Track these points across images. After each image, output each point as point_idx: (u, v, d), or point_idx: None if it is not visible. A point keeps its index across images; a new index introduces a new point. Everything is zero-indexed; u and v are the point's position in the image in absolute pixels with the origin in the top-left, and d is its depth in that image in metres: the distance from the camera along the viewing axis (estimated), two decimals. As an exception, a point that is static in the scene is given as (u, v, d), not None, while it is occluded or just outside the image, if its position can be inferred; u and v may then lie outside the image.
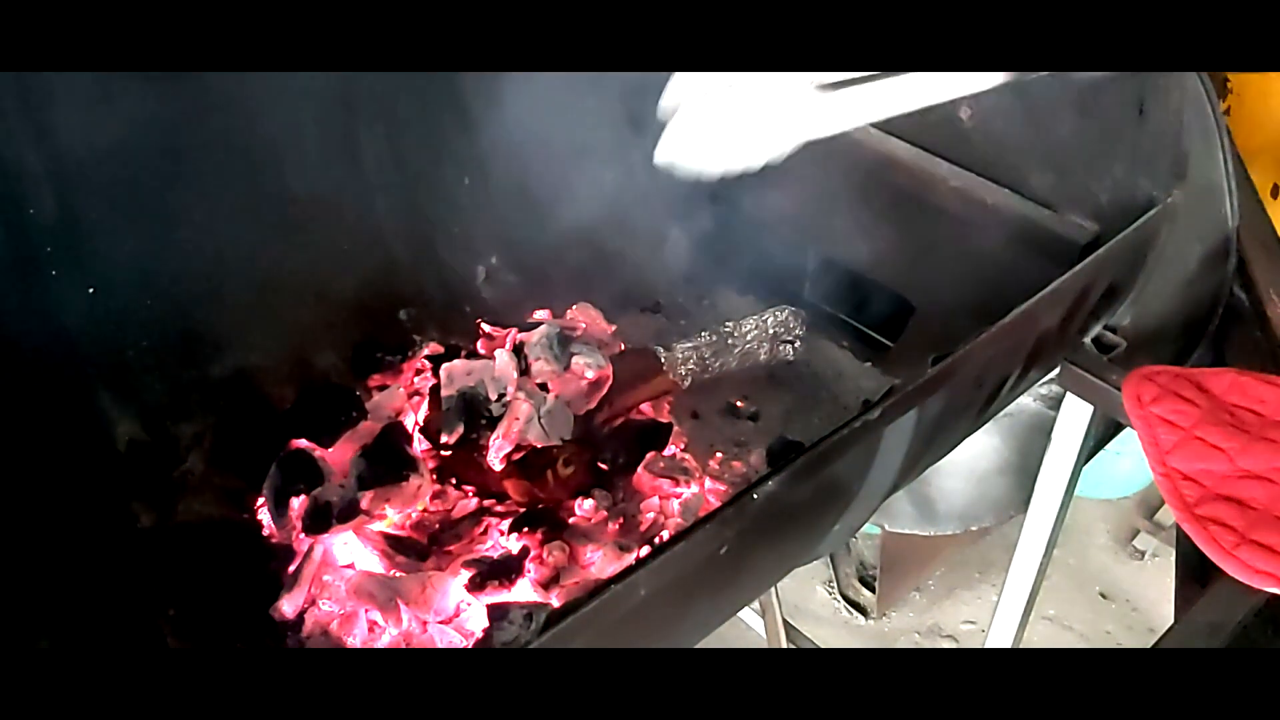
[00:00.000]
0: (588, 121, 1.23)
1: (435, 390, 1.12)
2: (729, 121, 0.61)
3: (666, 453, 1.11)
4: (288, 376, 1.12)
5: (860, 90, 0.58)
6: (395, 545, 1.00)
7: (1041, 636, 1.84)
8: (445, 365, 1.13)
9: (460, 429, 1.09)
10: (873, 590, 1.88)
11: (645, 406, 1.16)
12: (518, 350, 1.16)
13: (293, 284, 1.12)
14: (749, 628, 1.62)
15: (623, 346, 1.22)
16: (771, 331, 1.17)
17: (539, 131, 1.22)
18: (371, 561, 0.99)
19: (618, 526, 1.03)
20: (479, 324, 1.23)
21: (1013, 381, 0.95)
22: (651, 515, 1.05)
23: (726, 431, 1.16)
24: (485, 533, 1.02)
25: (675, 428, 1.14)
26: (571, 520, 1.03)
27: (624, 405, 1.14)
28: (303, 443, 1.06)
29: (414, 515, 1.04)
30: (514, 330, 1.20)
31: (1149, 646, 0.81)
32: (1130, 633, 1.88)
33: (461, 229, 1.26)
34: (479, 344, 1.21)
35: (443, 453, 1.09)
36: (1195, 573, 0.89)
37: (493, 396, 1.11)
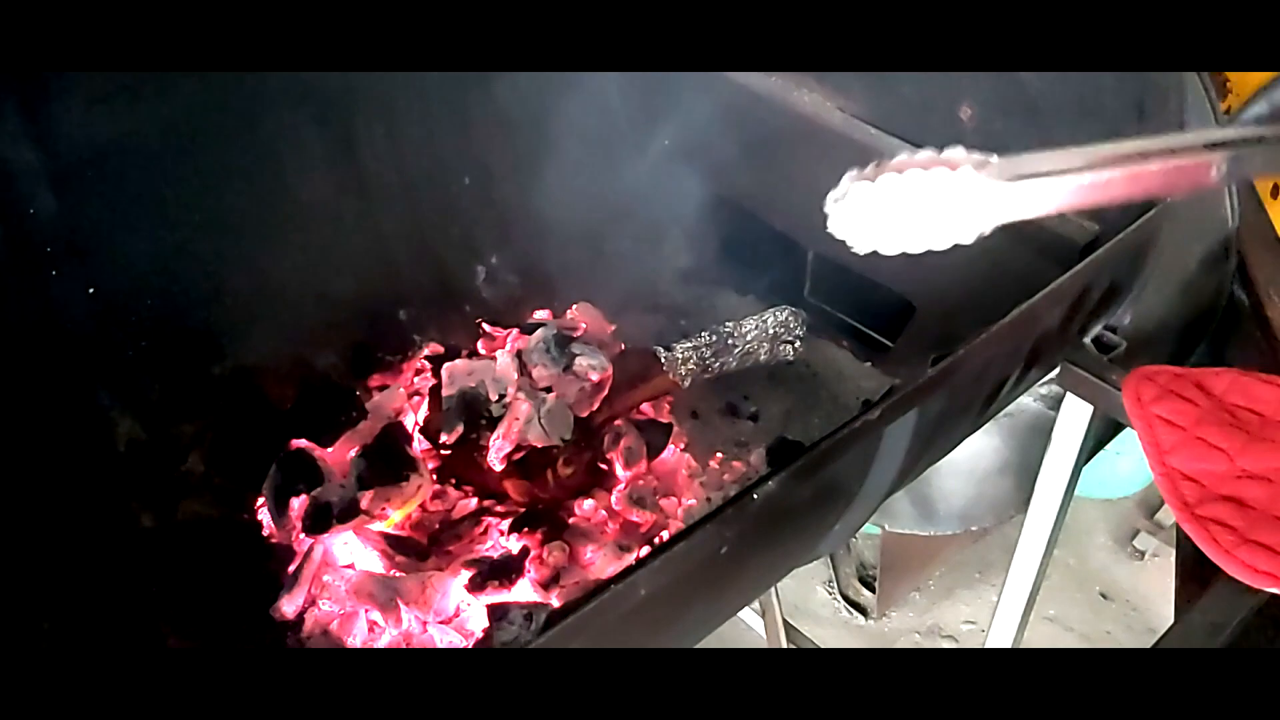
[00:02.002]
0: (588, 121, 1.23)
1: (435, 390, 1.12)
2: (910, 207, 0.60)
3: (666, 453, 1.11)
4: (288, 376, 1.12)
5: (1048, 182, 0.57)
6: (395, 545, 1.01)
7: (1041, 636, 1.84)
8: (446, 365, 1.13)
9: (460, 429, 1.09)
10: (873, 590, 1.88)
11: (645, 406, 1.16)
12: (519, 355, 1.16)
13: (293, 284, 1.12)
14: (749, 628, 1.62)
15: (623, 346, 1.22)
16: (771, 331, 1.17)
17: (539, 131, 1.22)
18: (371, 561, 0.99)
19: (618, 526, 1.03)
20: (479, 324, 1.23)
21: (1013, 381, 0.95)
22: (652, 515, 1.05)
23: (726, 431, 1.16)
24: (485, 533, 1.02)
25: (675, 428, 1.14)
26: (571, 520, 1.03)
27: (624, 405, 1.14)
28: (303, 443, 1.06)
29: (414, 515, 1.04)
30: (514, 331, 1.20)
31: (1149, 646, 0.81)
32: (1130, 633, 1.88)
33: (461, 229, 1.26)
34: (479, 344, 1.21)
35: (443, 453, 1.09)
36: (1195, 573, 0.89)
37: (493, 397, 1.11)
